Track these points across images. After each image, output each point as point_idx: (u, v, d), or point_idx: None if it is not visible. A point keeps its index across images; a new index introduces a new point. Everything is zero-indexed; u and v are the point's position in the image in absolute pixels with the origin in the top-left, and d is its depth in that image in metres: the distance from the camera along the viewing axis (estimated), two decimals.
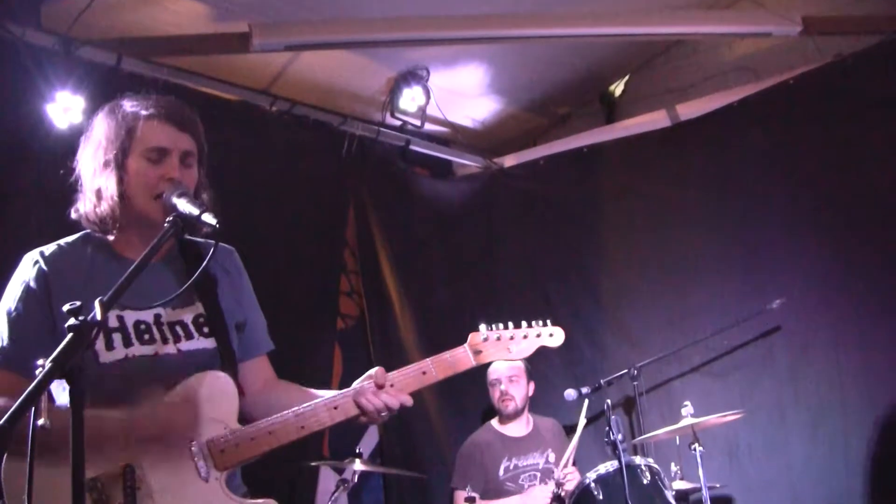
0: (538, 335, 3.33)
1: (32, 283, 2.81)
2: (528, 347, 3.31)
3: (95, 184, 2.88)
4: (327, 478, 6.60)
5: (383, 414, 2.94)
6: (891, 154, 6.34)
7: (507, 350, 3.25)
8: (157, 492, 2.66)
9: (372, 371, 2.99)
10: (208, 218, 2.59)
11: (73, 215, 2.96)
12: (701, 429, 5.69)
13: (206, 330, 2.94)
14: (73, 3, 5.47)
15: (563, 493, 5.80)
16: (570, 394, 6.44)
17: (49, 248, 2.91)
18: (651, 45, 7.81)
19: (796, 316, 6.51)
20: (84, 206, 2.92)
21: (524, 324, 3.32)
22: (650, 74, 8.14)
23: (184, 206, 2.67)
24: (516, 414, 6.39)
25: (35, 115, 5.36)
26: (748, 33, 7.04)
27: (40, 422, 2.01)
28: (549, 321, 3.37)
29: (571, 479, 5.80)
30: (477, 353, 3.16)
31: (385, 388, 2.94)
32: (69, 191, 2.99)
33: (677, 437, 6.00)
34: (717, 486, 6.05)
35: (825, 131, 6.63)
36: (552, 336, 3.36)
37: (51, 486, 2.25)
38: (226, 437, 2.78)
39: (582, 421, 6.13)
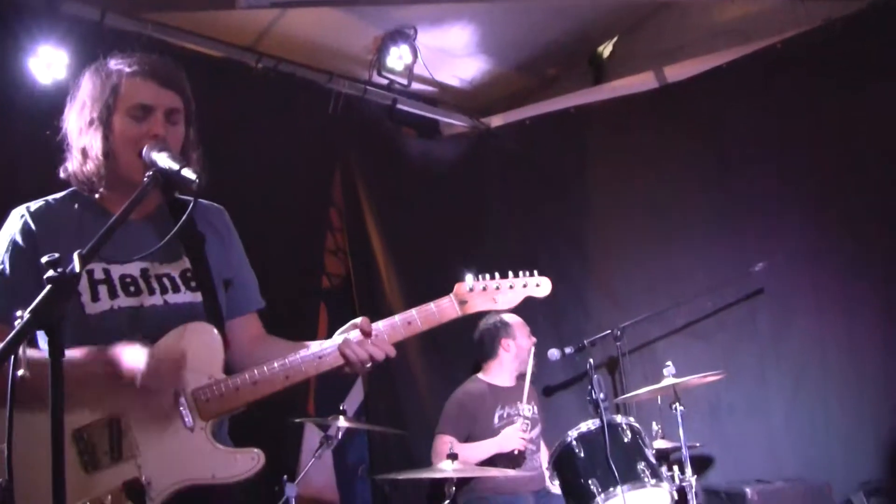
0: (524, 285, 3.29)
1: (19, 239, 2.82)
2: (515, 298, 3.28)
3: (81, 142, 2.89)
4: (312, 435, 6.63)
5: (367, 365, 2.95)
6: (877, 118, 6.38)
7: (493, 300, 3.22)
8: (142, 441, 2.71)
9: (357, 320, 2.98)
10: (187, 173, 2.60)
11: (62, 174, 2.97)
12: (682, 389, 5.73)
13: (192, 284, 2.95)
14: None
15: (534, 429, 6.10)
16: (553, 353, 6.50)
17: (36, 204, 2.92)
18: (640, 6, 7.77)
19: (779, 279, 6.57)
20: (72, 164, 2.93)
21: (510, 274, 3.30)
22: (639, 36, 8.11)
23: (163, 161, 2.67)
24: None
25: (18, 71, 5.34)
26: None
27: (19, 373, 2.02)
28: (535, 271, 3.35)
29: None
30: (462, 303, 3.14)
31: (371, 339, 2.95)
32: (55, 147, 2.99)
33: (659, 397, 6.06)
34: (698, 445, 6.12)
35: (813, 95, 6.66)
36: (539, 286, 3.32)
37: (34, 436, 2.27)
38: (210, 386, 2.80)
39: (531, 363, 6.23)
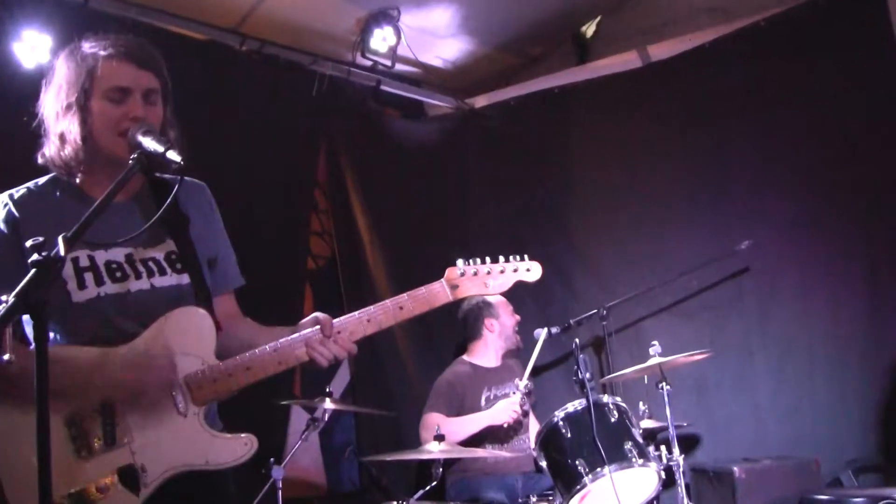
0: (515, 270, 3.31)
1: (2, 226, 2.82)
2: (506, 282, 3.30)
3: (59, 128, 2.88)
4: (298, 417, 6.61)
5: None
6: (860, 96, 6.38)
7: (483, 285, 3.23)
8: (135, 427, 2.71)
9: (318, 315, 2.99)
10: (173, 155, 2.60)
11: (40, 160, 2.95)
12: (669, 368, 5.74)
13: (178, 266, 2.95)
14: None
15: (527, 403, 6.13)
16: (539, 333, 6.48)
17: (18, 192, 2.92)
18: None
19: (765, 257, 6.59)
20: (49, 150, 2.92)
21: (501, 259, 3.31)
22: (622, 15, 8.09)
23: (149, 143, 2.66)
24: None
25: (1, 55, 5.31)
26: None
27: (5, 357, 2.02)
28: (526, 256, 3.36)
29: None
30: (454, 287, 3.15)
31: (333, 337, 2.94)
32: (36, 134, 2.98)
33: (645, 377, 6.06)
34: (685, 424, 6.14)
35: (796, 73, 6.66)
36: (529, 271, 3.34)
37: (24, 424, 2.26)
38: (203, 372, 2.80)
39: (539, 343, 6.22)
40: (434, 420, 5.95)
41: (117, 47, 2.89)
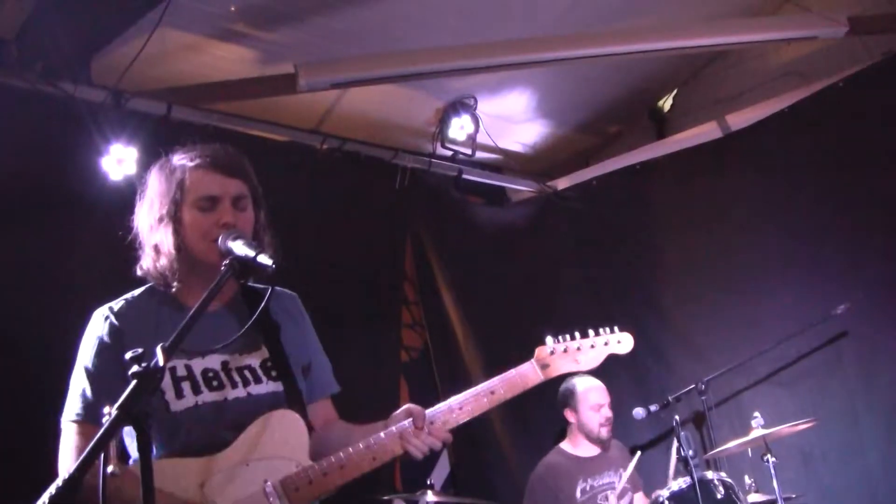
0: (606, 343, 3.30)
1: (105, 338, 2.88)
2: (597, 357, 3.28)
3: (153, 240, 2.96)
4: None
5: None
6: None
7: (575, 362, 3.22)
8: None
9: (410, 407, 3.00)
10: (264, 259, 2.61)
11: (138, 272, 3.02)
12: (773, 439, 5.62)
13: (273, 374, 2.99)
14: (121, 56, 5.60)
15: None
16: (638, 412, 6.37)
17: (117, 304, 2.98)
18: (697, 56, 7.75)
19: (863, 320, 6.41)
20: (146, 262, 2.99)
21: (591, 332, 3.29)
22: (698, 86, 8.09)
23: (239, 248, 2.70)
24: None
25: (91, 169, 5.48)
26: (794, 38, 6.95)
27: (109, 469, 2.04)
28: (615, 328, 3.33)
29: None
30: (544, 367, 3.15)
31: (428, 428, 2.95)
32: (130, 243, 3.06)
33: (749, 449, 5.93)
34: (793, 496, 5.96)
35: (879, 131, 6.55)
36: (620, 343, 3.33)
37: None
38: (299, 474, 2.81)
39: (631, 466, 6.02)
40: None
41: (204, 157, 2.98)
